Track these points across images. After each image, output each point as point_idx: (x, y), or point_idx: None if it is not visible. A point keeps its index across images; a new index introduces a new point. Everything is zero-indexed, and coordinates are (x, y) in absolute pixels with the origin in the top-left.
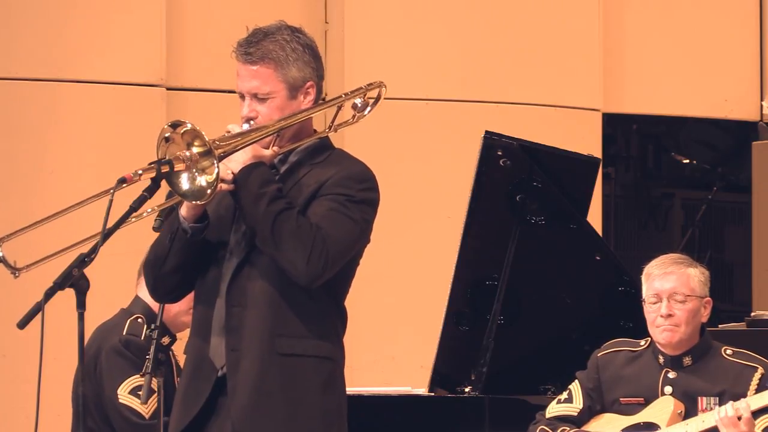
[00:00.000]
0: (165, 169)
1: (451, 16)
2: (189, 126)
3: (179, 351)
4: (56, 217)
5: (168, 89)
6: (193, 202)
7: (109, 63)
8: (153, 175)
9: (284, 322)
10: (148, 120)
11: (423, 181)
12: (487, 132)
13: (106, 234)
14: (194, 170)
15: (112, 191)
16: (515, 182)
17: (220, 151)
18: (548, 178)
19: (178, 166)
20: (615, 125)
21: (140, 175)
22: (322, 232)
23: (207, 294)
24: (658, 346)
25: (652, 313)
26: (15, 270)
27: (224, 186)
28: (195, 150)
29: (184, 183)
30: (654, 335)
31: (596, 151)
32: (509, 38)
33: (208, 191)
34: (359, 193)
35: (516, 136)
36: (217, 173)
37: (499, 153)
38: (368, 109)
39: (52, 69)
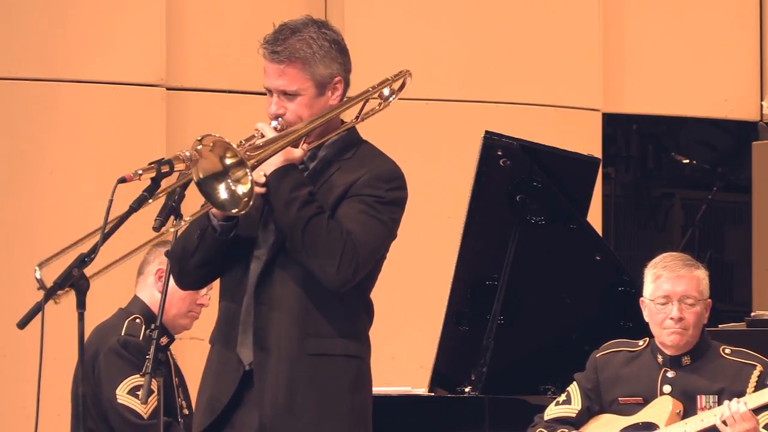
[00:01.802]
0: (165, 169)
1: (451, 16)
2: (216, 137)
3: (177, 351)
4: (89, 238)
5: (168, 89)
6: (232, 212)
7: (109, 63)
8: (153, 175)
9: (313, 322)
10: (148, 120)
11: (423, 181)
12: (487, 132)
13: (106, 234)
14: (229, 181)
15: (111, 196)
16: (515, 182)
17: (253, 161)
18: (548, 178)
19: (178, 166)
20: (615, 125)
21: (140, 175)
22: (352, 237)
23: (234, 290)
24: (659, 346)
25: (659, 314)
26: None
27: (257, 189)
28: (228, 162)
29: (222, 193)
30: (660, 336)
31: (596, 151)
32: (509, 38)
33: (245, 200)
34: (388, 194)
35: (516, 136)
36: (252, 183)
37: (499, 153)
38: (393, 96)
39: (52, 69)
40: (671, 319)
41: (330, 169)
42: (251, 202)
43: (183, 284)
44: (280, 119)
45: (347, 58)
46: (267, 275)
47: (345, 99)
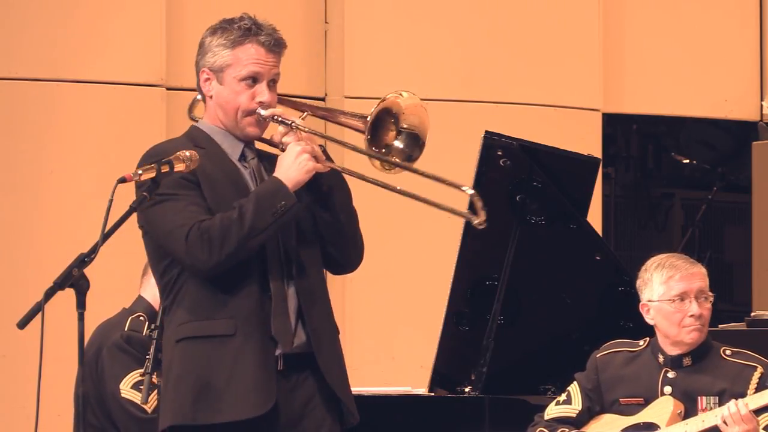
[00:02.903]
0: (165, 169)
1: (451, 16)
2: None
3: None
4: None
5: (168, 89)
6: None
7: (109, 63)
8: (153, 175)
9: (328, 302)
10: (148, 120)
11: (423, 181)
12: (487, 132)
13: (106, 234)
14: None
15: (111, 196)
16: (515, 182)
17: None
18: (548, 178)
19: (178, 167)
20: (615, 125)
21: (140, 175)
22: None
23: (252, 278)
24: (661, 346)
25: (677, 313)
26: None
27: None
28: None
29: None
30: (678, 336)
31: (596, 151)
32: (509, 38)
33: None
34: None
35: (516, 136)
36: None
37: (499, 153)
38: None
39: (52, 69)
40: (691, 316)
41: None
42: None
43: (220, 267)
44: (267, 107)
45: None
46: (297, 260)
47: None
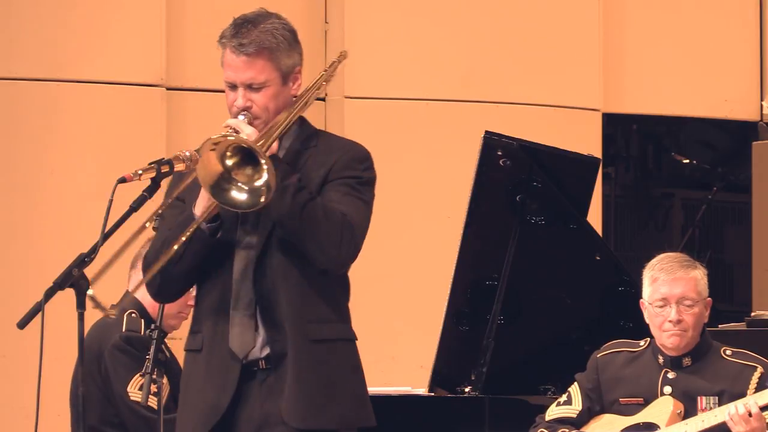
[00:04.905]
0: (165, 169)
1: (451, 16)
2: (222, 138)
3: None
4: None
5: (168, 89)
6: (250, 210)
7: (109, 63)
8: (153, 175)
9: (312, 309)
10: (148, 120)
11: (423, 181)
12: (487, 132)
13: (106, 234)
14: (238, 183)
15: (111, 196)
16: (515, 182)
17: (263, 150)
18: (548, 178)
19: (178, 167)
20: (615, 125)
21: (140, 175)
22: (347, 218)
23: (218, 289)
24: (660, 347)
25: (658, 317)
26: (105, 310)
27: None
28: (229, 162)
29: (238, 196)
30: (660, 339)
31: (596, 151)
32: (509, 38)
33: (266, 189)
34: (364, 173)
35: (516, 136)
36: (270, 170)
37: (499, 153)
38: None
39: (52, 69)
40: (670, 321)
41: (300, 159)
42: (273, 189)
43: (165, 295)
44: (246, 112)
45: (301, 47)
46: (262, 269)
47: (307, 90)
